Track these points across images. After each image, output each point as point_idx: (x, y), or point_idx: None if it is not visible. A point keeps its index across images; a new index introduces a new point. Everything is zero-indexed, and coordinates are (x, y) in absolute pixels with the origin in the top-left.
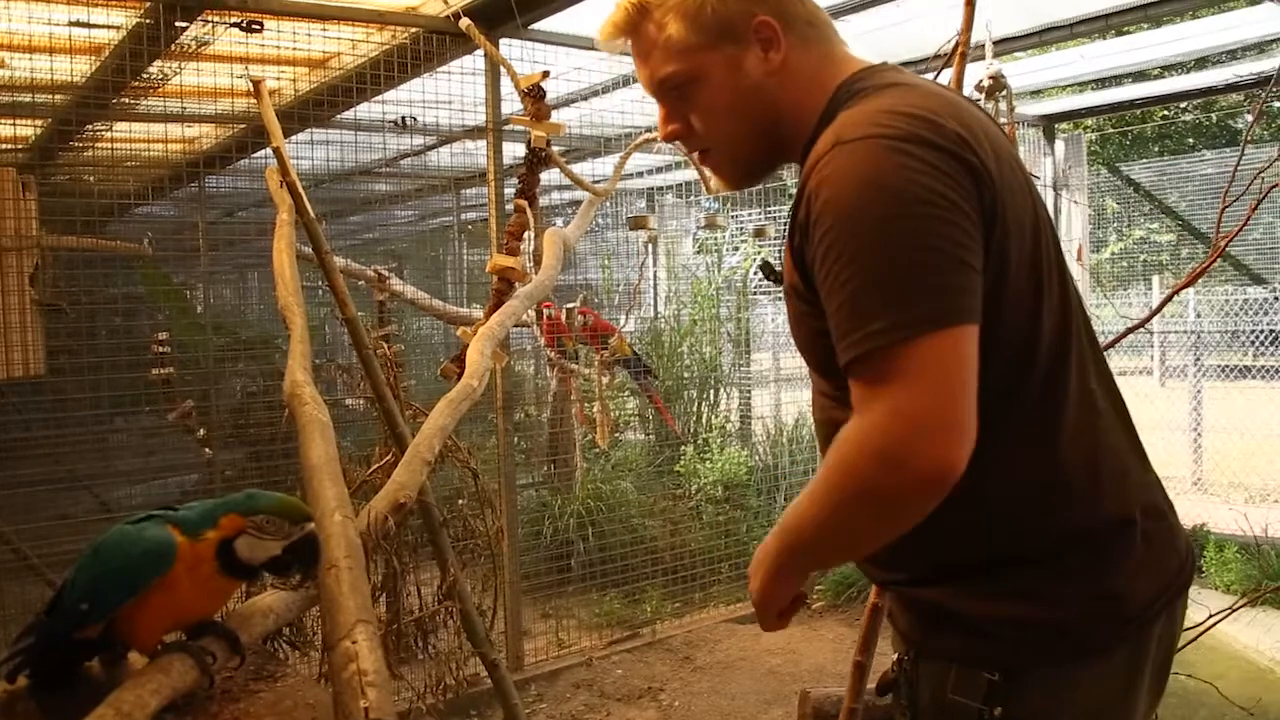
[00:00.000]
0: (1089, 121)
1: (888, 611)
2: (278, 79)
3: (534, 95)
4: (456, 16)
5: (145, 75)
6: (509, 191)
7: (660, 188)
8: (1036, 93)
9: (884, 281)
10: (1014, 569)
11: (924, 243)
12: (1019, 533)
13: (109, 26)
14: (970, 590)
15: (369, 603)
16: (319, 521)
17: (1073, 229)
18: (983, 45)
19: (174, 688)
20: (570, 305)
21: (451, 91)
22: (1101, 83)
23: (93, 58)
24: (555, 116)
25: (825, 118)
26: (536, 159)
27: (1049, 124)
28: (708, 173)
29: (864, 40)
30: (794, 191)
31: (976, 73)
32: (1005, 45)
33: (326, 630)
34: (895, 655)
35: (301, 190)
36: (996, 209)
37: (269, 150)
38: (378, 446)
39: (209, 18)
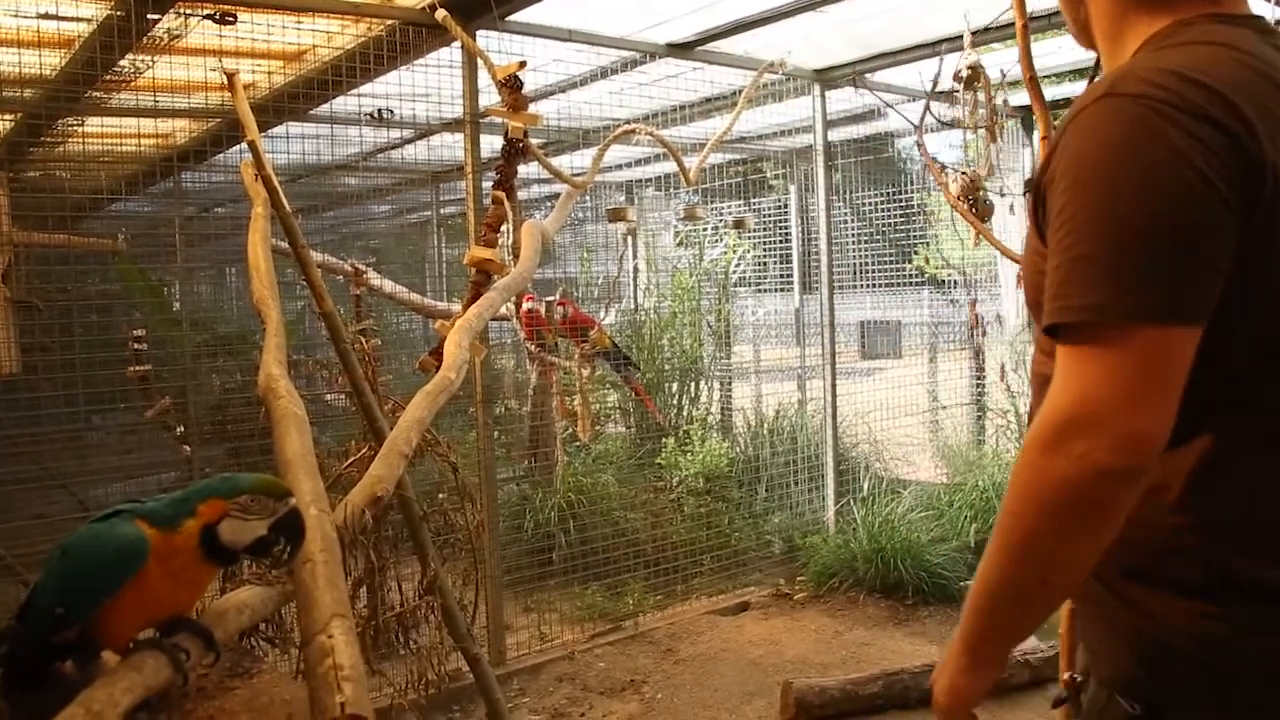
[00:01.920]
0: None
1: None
2: (252, 72)
3: (511, 86)
4: (433, 8)
5: (117, 69)
6: (487, 185)
7: (640, 180)
8: (1014, 83)
9: (1112, 256)
10: (1187, 586)
11: (1162, 225)
12: (1218, 552)
13: (79, 19)
14: (1148, 603)
15: (345, 597)
16: None
17: None
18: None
19: (146, 686)
20: (550, 298)
21: (428, 84)
22: (1080, 73)
23: (63, 51)
24: (533, 109)
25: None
26: (514, 150)
27: (1028, 114)
28: (687, 164)
29: (845, 30)
30: (772, 184)
31: (954, 63)
32: (983, 36)
33: (302, 625)
34: (1067, 673)
35: (277, 184)
36: (1261, 197)
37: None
38: (354, 441)
39: (181, 10)
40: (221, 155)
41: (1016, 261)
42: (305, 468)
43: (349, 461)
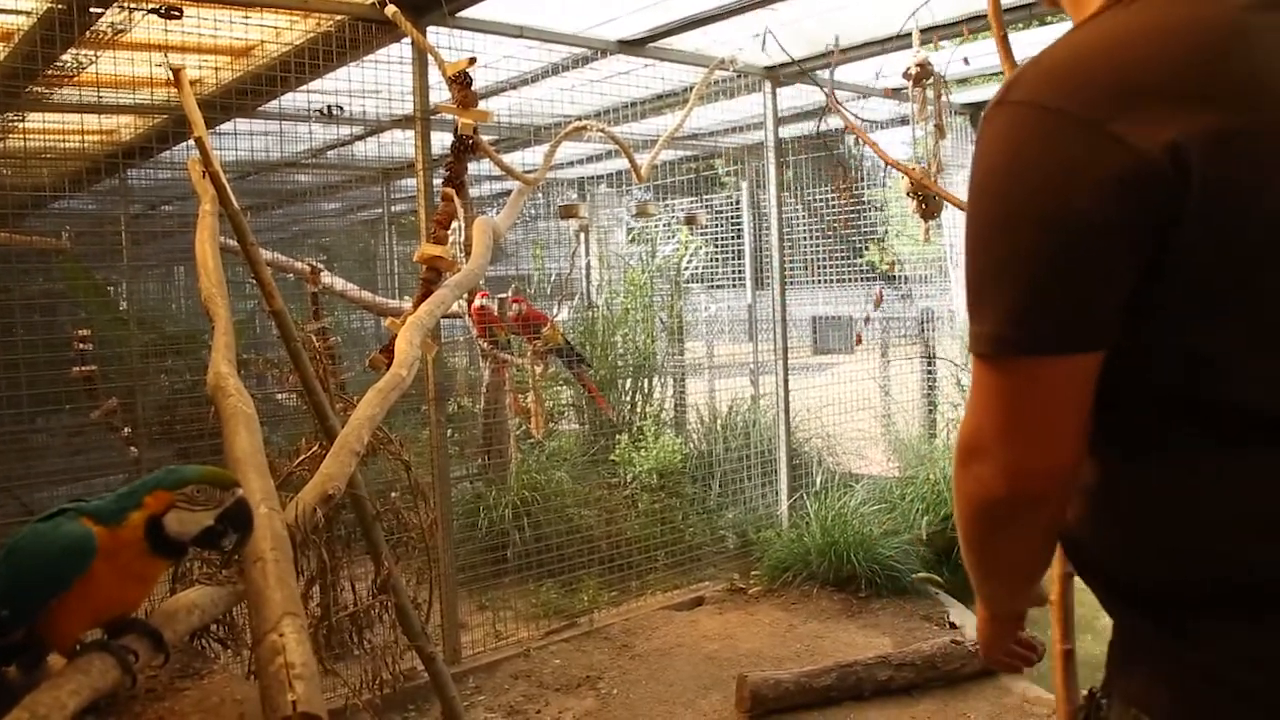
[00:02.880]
0: None
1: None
2: (199, 67)
3: (461, 82)
4: (383, 4)
5: (59, 64)
6: (438, 182)
7: (591, 177)
8: (963, 81)
9: (995, 285)
10: (1208, 604)
11: (1041, 252)
12: (1245, 564)
13: (18, 12)
14: (1174, 623)
15: (296, 595)
16: None
17: None
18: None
19: (94, 688)
20: (502, 295)
21: (378, 81)
22: None
23: (2, 45)
24: (485, 105)
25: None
26: (464, 147)
27: (975, 111)
28: (639, 160)
29: (792, 27)
30: (724, 181)
31: (903, 62)
32: (933, 33)
33: (253, 624)
34: (1087, 689)
35: (225, 181)
36: (1209, 190)
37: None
38: (304, 439)
39: (126, 4)
40: (168, 152)
41: None
42: (255, 466)
43: (299, 460)
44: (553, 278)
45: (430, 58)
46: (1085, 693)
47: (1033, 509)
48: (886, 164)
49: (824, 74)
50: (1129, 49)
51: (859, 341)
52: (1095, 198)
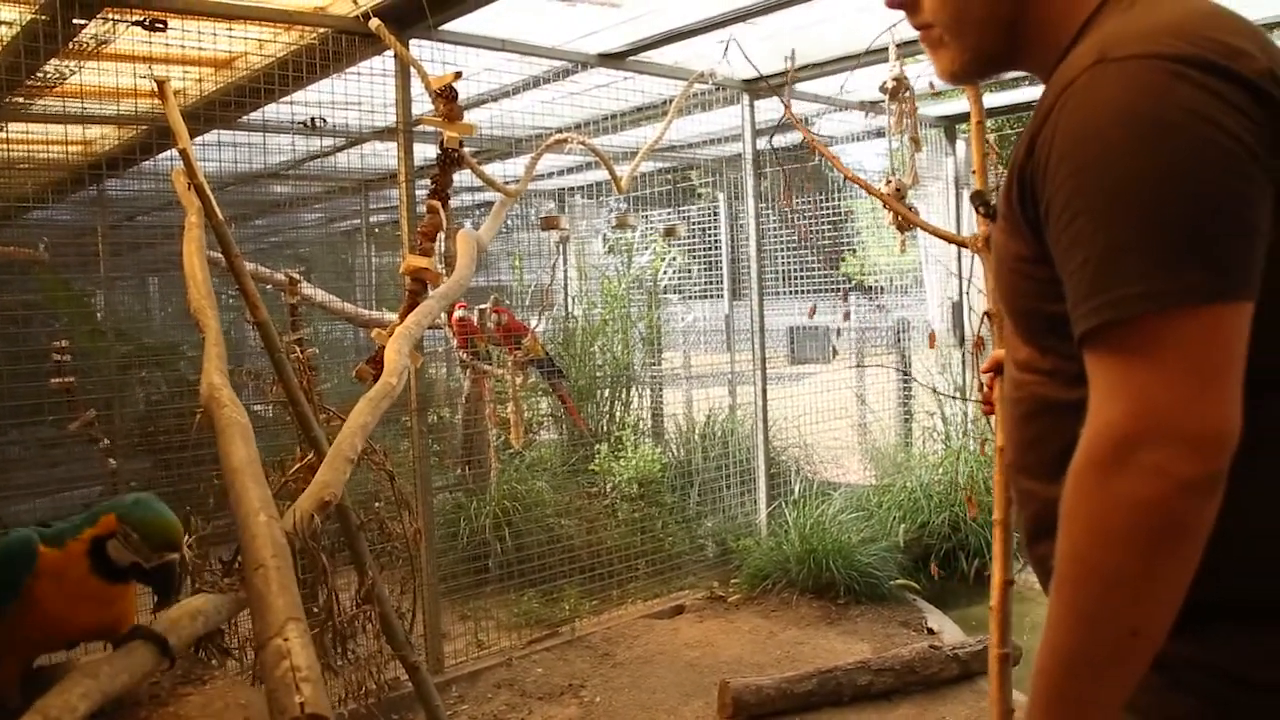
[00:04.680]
0: (989, 122)
1: None
2: (182, 79)
3: (446, 96)
4: (366, 17)
5: (41, 74)
6: (420, 193)
7: (568, 188)
8: (938, 94)
9: (1147, 239)
10: (1232, 611)
11: (1205, 196)
12: (1254, 567)
13: (1, 23)
14: (1180, 630)
15: (298, 600)
16: (244, 522)
17: (975, 225)
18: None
19: (103, 691)
20: (482, 306)
21: (360, 93)
22: (1000, 85)
23: None
24: (465, 117)
25: (1086, 28)
26: (449, 160)
27: (950, 124)
28: (618, 172)
29: (769, 44)
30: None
31: (880, 76)
32: (909, 48)
33: (257, 630)
34: None
35: (209, 193)
36: None
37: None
38: (299, 448)
39: (110, 15)
40: (148, 163)
41: (961, 244)
42: (252, 475)
43: (295, 468)
44: (531, 288)
45: (413, 70)
46: None
47: (1219, 489)
48: (852, 182)
49: (796, 87)
50: (1202, 17)
51: (836, 354)
52: (1237, 125)
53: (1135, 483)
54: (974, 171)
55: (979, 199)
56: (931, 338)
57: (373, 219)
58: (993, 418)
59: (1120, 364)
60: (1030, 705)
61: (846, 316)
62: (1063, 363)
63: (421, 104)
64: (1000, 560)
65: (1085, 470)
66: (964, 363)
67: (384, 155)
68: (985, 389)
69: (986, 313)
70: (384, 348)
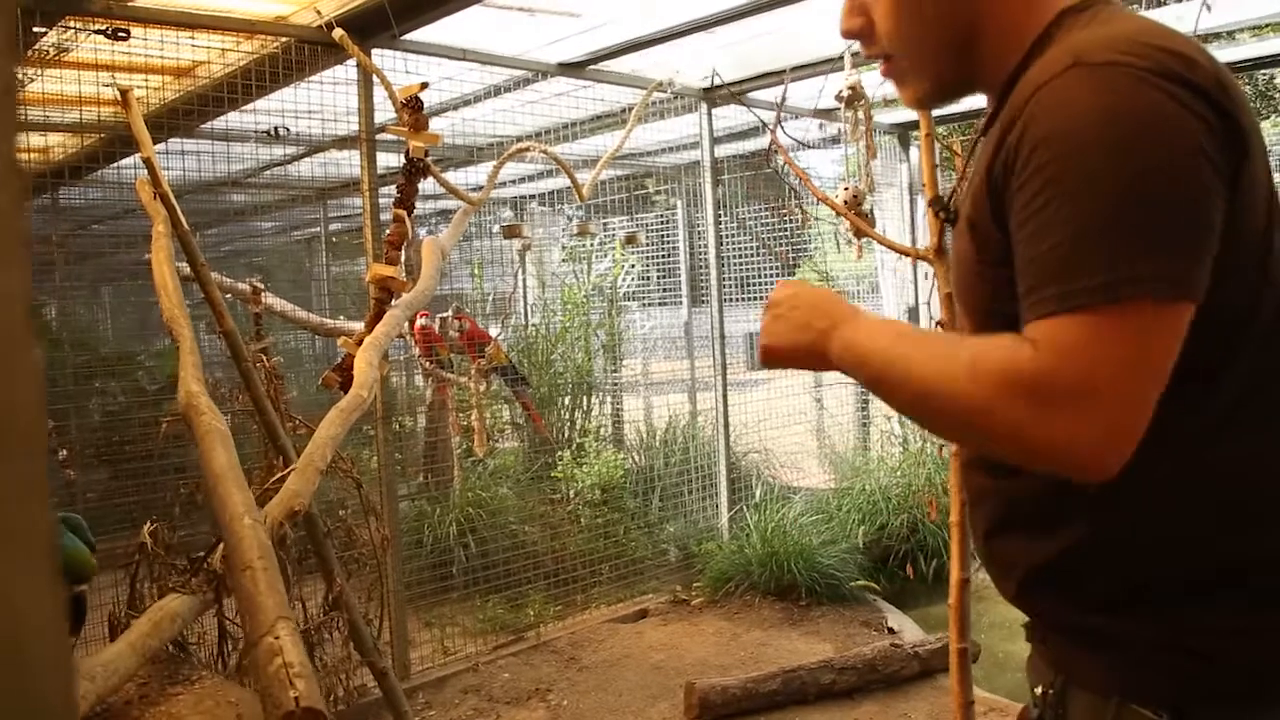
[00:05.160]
0: (941, 129)
1: (1029, 635)
2: (143, 86)
3: (412, 106)
4: (329, 27)
5: None
6: (383, 201)
7: (525, 196)
8: (891, 101)
9: (1114, 228)
10: (1194, 594)
11: (1170, 191)
12: (1208, 551)
13: None
14: (1140, 612)
15: (285, 600)
16: (229, 526)
17: (929, 232)
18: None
19: (98, 694)
20: (444, 315)
21: (322, 101)
22: None
23: None
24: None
25: (1040, 43)
26: (415, 169)
27: (904, 131)
28: (580, 180)
29: (726, 52)
30: (657, 199)
31: (836, 83)
32: (860, 58)
33: (248, 629)
34: (1038, 688)
35: (175, 202)
36: (1243, 168)
37: (131, 160)
38: (270, 459)
39: (70, 24)
40: (102, 171)
41: (918, 257)
42: (234, 480)
43: (276, 477)
44: (490, 296)
45: (375, 79)
46: (1037, 691)
47: (1080, 471)
48: (819, 199)
49: (752, 95)
50: (1156, 32)
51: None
52: (1197, 130)
53: (1044, 426)
54: (924, 185)
55: (938, 203)
56: None
57: (331, 227)
58: None
59: (1072, 338)
60: (865, 331)
61: None
62: None
63: (383, 112)
64: (957, 559)
65: (1007, 380)
66: None
67: (342, 164)
68: None
69: (938, 321)
70: (350, 356)
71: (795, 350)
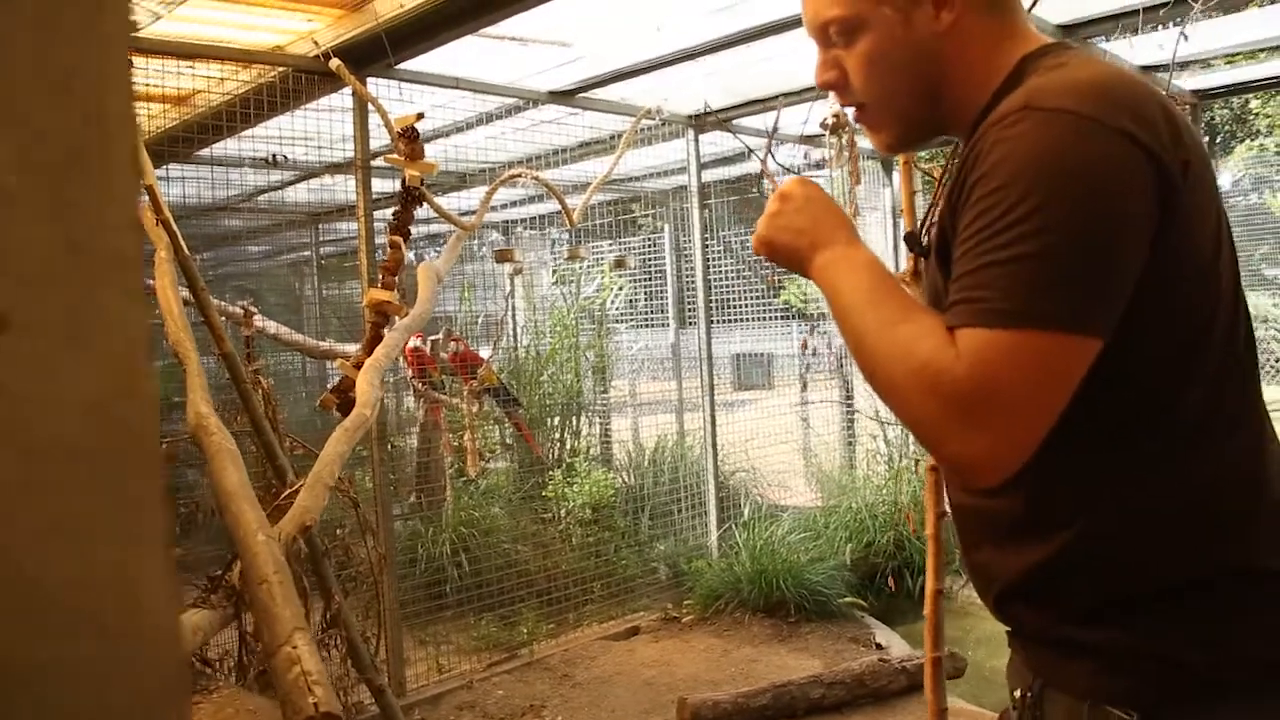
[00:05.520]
0: (923, 154)
1: (1010, 641)
2: (143, 113)
3: (408, 136)
4: (326, 57)
5: None
6: (377, 225)
7: (513, 220)
8: None
9: (1033, 264)
10: (1162, 601)
11: (1093, 239)
12: (1176, 562)
13: None
14: (1110, 621)
15: (301, 612)
16: (244, 542)
17: (905, 258)
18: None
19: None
20: (435, 337)
21: (318, 129)
22: None
23: None
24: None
25: (1005, 88)
26: (411, 197)
27: (885, 158)
28: (570, 205)
29: (712, 80)
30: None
31: (820, 112)
32: None
33: (266, 640)
34: (1017, 691)
35: (176, 228)
36: (1178, 215)
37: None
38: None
39: None
40: None
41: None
42: (246, 498)
43: (286, 494)
44: (480, 319)
45: (370, 107)
46: (1016, 694)
47: (962, 475)
48: None
49: (738, 122)
50: (1118, 83)
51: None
52: (1129, 183)
53: (930, 407)
54: (902, 211)
55: (911, 239)
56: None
57: (321, 251)
58: None
59: (981, 348)
60: (848, 262)
61: (805, 346)
62: None
63: (377, 139)
64: (932, 571)
65: (925, 372)
66: None
67: (333, 189)
68: None
69: None
70: (348, 378)
71: (784, 249)
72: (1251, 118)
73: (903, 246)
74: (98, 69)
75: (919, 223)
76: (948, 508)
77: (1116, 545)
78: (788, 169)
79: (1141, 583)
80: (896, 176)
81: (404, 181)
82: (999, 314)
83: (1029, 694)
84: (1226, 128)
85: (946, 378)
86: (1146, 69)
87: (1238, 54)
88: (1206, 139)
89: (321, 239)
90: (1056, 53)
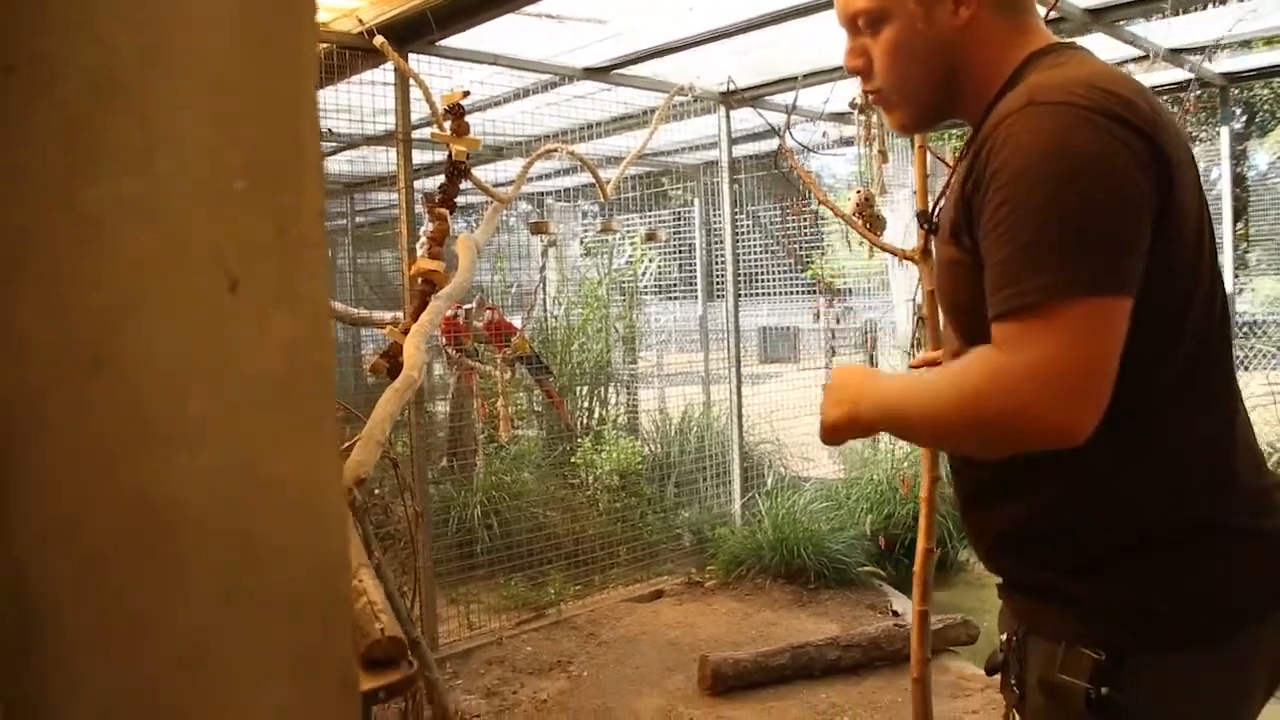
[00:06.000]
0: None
1: (1000, 593)
2: None
3: (455, 113)
4: (370, 34)
5: None
6: (417, 196)
7: (545, 192)
8: None
9: (1056, 241)
10: (1134, 555)
11: (1103, 211)
12: (1148, 519)
13: None
14: (1087, 573)
15: (364, 551)
16: None
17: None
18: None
19: None
20: (468, 305)
21: (360, 102)
22: None
23: None
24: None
25: (1011, 82)
26: (457, 171)
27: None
28: (604, 178)
29: (742, 59)
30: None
31: (848, 92)
32: None
33: None
34: (1004, 635)
35: None
36: (1172, 194)
37: None
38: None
39: None
40: None
41: (905, 257)
42: None
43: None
44: (512, 289)
45: (412, 82)
46: (1003, 638)
47: (1054, 441)
48: (825, 207)
49: (768, 99)
50: (1105, 77)
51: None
52: (1129, 160)
53: (1002, 415)
54: (915, 191)
55: (923, 217)
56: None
57: (355, 221)
58: None
59: (1026, 334)
60: (885, 393)
61: (821, 316)
62: None
63: (418, 112)
64: (924, 531)
65: (985, 381)
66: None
67: (366, 161)
68: None
69: (919, 316)
70: (396, 343)
71: (839, 423)
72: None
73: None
74: (297, 98)
75: (932, 203)
76: (943, 473)
77: (1095, 505)
78: (806, 148)
79: (1117, 538)
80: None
81: (451, 157)
82: (1032, 290)
83: (1014, 638)
84: (1266, 107)
85: (1000, 372)
86: (1176, 51)
87: (1276, 36)
88: (1244, 119)
89: (356, 209)
90: (1058, 52)
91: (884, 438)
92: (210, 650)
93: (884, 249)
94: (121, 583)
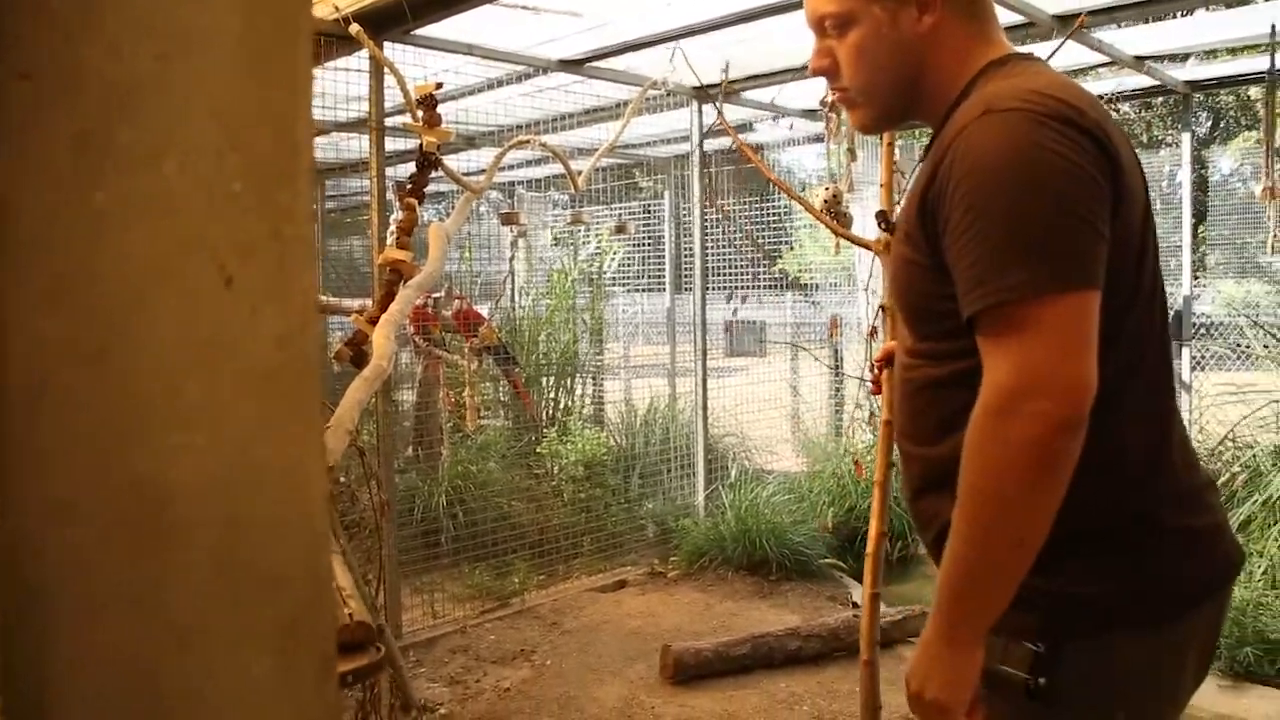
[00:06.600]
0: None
1: None
2: None
3: (427, 104)
4: (346, 21)
5: None
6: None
7: (514, 183)
8: None
9: (1022, 241)
10: (1071, 548)
11: (1064, 209)
12: (1085, 514)
13: None
14: (1052, 561)
15: (330, 536)
16: None
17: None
18: None
19: None
20: (436, 295)
21: (333, 89)
22: None
23: None
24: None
25: (968, 88)
26: (427, 162)
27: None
28: (575, 169)
29: (716, 54)
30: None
31: (818, 86)
32: None
33: None
34: None
35: None
36: (1121, 194)
37: None
38: None
39: None
40: None
41: (871, 249)
42: None
43: None
44: (480, 279)
45: (386, 71)
46: None
47: (1082, 430)
48: (788, 195)
49: (741, 95)
50: (1055, 85)
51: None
52: (1084, 159)
53: (1022, 425)
54: (882, 185)
55: (881, 217)
56: (833, 324)
57: (327, 205)
58: (879, 397)
59: (1005, 337)
60: (935, 609)
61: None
62: (943, 347)
63: (391, 100)
64: (876, 515)
65: (982, 419)
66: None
67: (336, 147)
68: (875, 374)
69: (881, 306)
70: (361, 331)
71: (949, 678)
72: (1255, 104)
73: (894, 214)
74: (294, 107)
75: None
76: (895, 459)
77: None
78: (763, 147)
79: (1055, 532)
80: (895, 150)
81: (421, 147)
82: (1003, 289)
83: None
84: (1231, 113)
85: (995, 400)
86: (1141, 59)
87: (1240, 46)
88: (1209, 124)
89: (326, 194)
90: (1014, 62)
91: (847, 429)
92: (204, 625)
93: (852, 240)
94: (120, 561)
